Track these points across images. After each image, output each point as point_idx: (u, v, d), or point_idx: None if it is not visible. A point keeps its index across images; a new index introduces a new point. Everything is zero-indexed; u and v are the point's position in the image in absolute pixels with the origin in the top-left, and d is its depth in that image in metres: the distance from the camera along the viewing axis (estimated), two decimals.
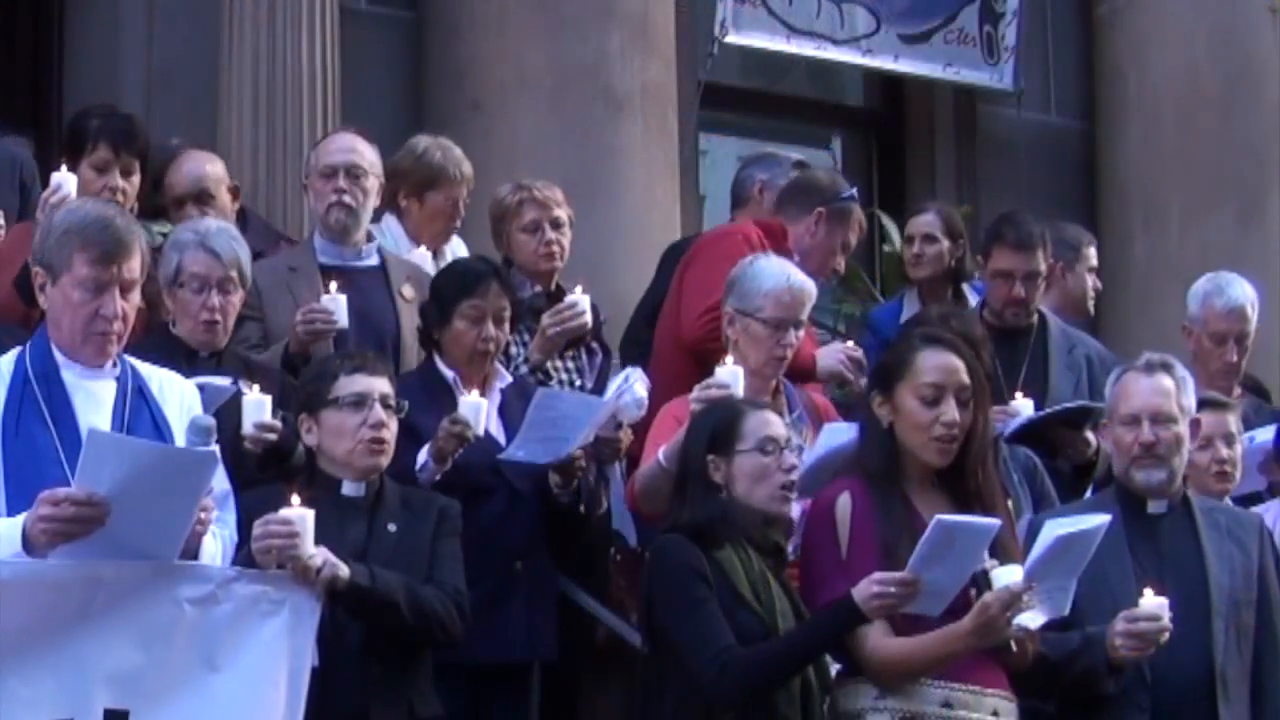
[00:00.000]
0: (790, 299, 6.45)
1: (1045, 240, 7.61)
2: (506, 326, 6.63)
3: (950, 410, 5.47)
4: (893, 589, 5.17)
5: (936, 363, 5.53)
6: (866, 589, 5.19)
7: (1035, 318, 7.62)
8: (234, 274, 6.22)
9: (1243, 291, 7.83)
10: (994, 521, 5.28)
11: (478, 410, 6.26)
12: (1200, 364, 7.61)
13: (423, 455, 6.24)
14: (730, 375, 6.03)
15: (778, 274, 6.49)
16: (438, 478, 6.26)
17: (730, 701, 5.27)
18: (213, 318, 6.19)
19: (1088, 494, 6.63)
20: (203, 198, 7.31)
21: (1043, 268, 7.56)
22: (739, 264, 6.62)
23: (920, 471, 5.54)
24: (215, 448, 4.86)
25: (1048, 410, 7.09)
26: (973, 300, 8.21)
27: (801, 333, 6.52)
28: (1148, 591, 5.52)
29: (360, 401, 5.62)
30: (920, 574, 5.18)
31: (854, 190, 7.50)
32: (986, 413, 5.67)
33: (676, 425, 6.09)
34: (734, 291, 6.50)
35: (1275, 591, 5.92)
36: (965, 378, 5.52)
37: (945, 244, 8.22)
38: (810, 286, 6.56)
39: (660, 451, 6.08)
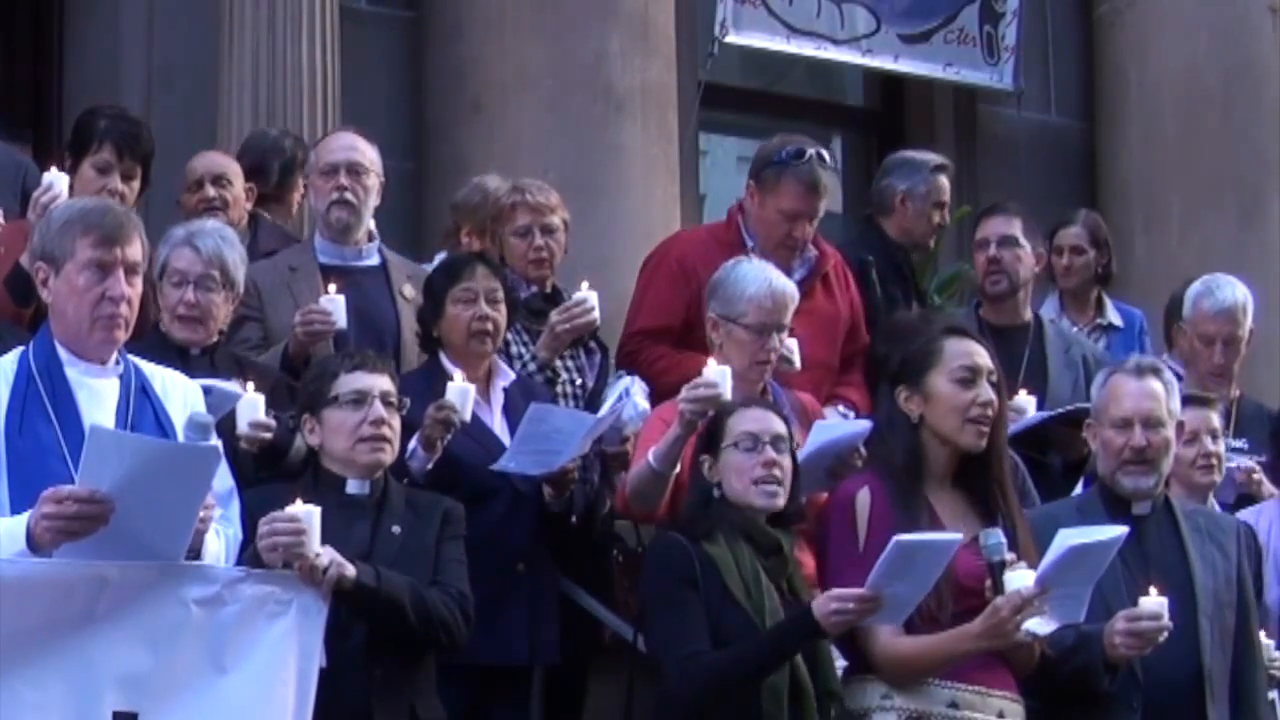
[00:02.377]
0: (772, 304, 6.43)
1: (1023, 213, 7.79)
2: (502, 308, 6.61)
3: (986, 391, 5.54)
4: (851, 605, 5.18)
5: (965, 348, 5.61)
6: (825, 604, 5.21)
7: (1030, 317, 7.66)
8: (215, 272, 6.19)
9: (1233, 294, 7.83)
10: (955, 537, 5.28)
11: (465, 395, 6.26)
12: (1192, 365, 7.65)
13: (412, 443, 6.23)
14: (718, 375, 6.01)
15: (759, 279, 6.47)
16: (429, 466, 6.26)
17: (689, 704, 5.32)
18: (188, 313, 6.18)
19: (1079, 489, 6.62)
20: (220, 181, 7.45)
21: (1019, 234, 7.69)
22: (722, 268, 6.61)
23: (941, 469, 5.58)
24: (217, 443, 4.86)
25: (1053, 411, 7.13)
26: (1113, 316, 8.52)
27: (785, 336, 6.49)
28: (1152, 590, 5.51)
29: (360, 399, 5.61)
30: (880, 590, 5.19)
31: (789, 150, 7.20)
32: (1005, 406, 5.71)
33: (664, 428, 6.09)
34: (716, 296, 6.49)
35: (1251, 594, 5.95)
36: (991, 363, 5.61)
37: (1092, 254, 8.57)
38: (792, 290, 6.52)
39: (650, 453, 6.08)
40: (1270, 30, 10.92)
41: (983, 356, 5.60)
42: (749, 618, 5.36)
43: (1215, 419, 6.71)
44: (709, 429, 5.67)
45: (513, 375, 6.73)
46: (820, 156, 7.17)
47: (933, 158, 8.38)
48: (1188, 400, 6.38)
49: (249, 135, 8.01)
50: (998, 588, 5.28)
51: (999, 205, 8.01)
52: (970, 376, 5.55)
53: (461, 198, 7.70)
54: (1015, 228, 7.71)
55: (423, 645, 5.51)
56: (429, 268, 7.29)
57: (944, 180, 8.23)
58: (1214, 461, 6.65)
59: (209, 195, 7.46)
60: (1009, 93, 10.94)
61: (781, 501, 5.57)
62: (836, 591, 5.21)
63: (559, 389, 7.03)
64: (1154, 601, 5.51)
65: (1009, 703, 5.46)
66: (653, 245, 8.51)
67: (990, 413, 5.54)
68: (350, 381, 5.63)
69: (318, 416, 5.65)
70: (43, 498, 4.62)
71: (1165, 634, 5.51)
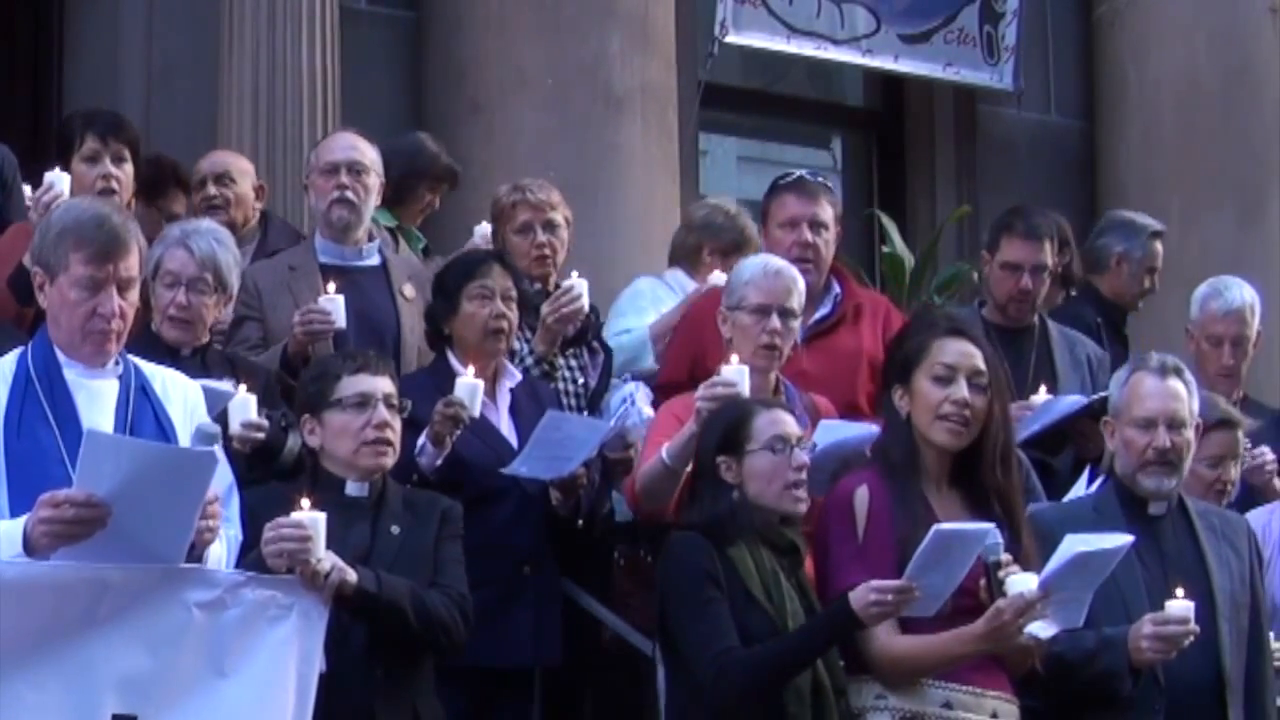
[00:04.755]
0: (770, 283, 6.38)
1: (1053, 234, 7.65)
2: (515, 307, 6.63)
3: (960, 389, 5.49)
4: (890, 596, 5.16)
5: (953, 347, 5.56)
6: (864, 596, 5.17)
7: (1035, 319, 7.63)
8: (207, 275, 6.19)
9: (1241, 295, 7.79)
10: (988, 526, 5.28)
11: (473, 391, 6.26)
12: (1200, 367, 7.61)
13: (421, 439, 6.24)
14: (736, 373, 6.01)
15: (756, 263, 6.47)
16: (438, 463, 6.26)
17: (727, 703, 5.27)
18: (180, 315, 6.18)
19: (1080, 487, 6.60)
20: (222, 179, 7.47)
21: (1050, 261, 7.58)
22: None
23: (938, 467, 5.55)
24: (218, 448, 4.85)
25: (1089, 399, 7.08)
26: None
27: (794, 323, 6.43)
28: (1179, 592, 5.50)
29: (364, 402, 5.59)
30: (916, 580, 5.18)
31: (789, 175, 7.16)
32: (1005, 408, 5.68)
33: (677, 424, 6.09)
34: (725, 293, 6.50)
35: (1263, 594, 5.94)
36: (980, 364, 5.55)
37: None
38: (793, 271, 6.46)
39: (663, 449, 6.07)
40: (1270, 31, 10.94)
41: (970, 357, 5.54)
42: (771, 620, 5.33)
43: (1242, 443, 6.66)
44: (726, 430, 5.60)
45: (519, 376, 6.74)
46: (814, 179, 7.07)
47: (1151, 223, 8.49)
48: (1219, 423, 6.39)
49: (409, 139, 8.03)
50: (992, 588, 5.27)
51: (1031, 223, 7.56)
52: (948, 375, 5.50)
53: (701, 219, 7.74)
54: (1048, 254, 7.52)
55: (423, 648, 5.50)
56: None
57: (1159, 246, 8.37)
58: (1230, 487, 6.60)
59: (210, 194, 7.48)
60: (1009, 93, 10.95)
61: (805, 506, 5.55)
62: (875, 583, 5.17)
63: (560, 387, 7.03)
64: (1180, 605, 5.49)
65: (1003, 703, 5.45)
66: (652, 245, 8.55)
67: (965, 412, 5.48)
68: (353, 384, 5.61)
69: (318, 418, 5.63)
70: (40, 501, 4.60)
71: (1191, 638, 5.50)
